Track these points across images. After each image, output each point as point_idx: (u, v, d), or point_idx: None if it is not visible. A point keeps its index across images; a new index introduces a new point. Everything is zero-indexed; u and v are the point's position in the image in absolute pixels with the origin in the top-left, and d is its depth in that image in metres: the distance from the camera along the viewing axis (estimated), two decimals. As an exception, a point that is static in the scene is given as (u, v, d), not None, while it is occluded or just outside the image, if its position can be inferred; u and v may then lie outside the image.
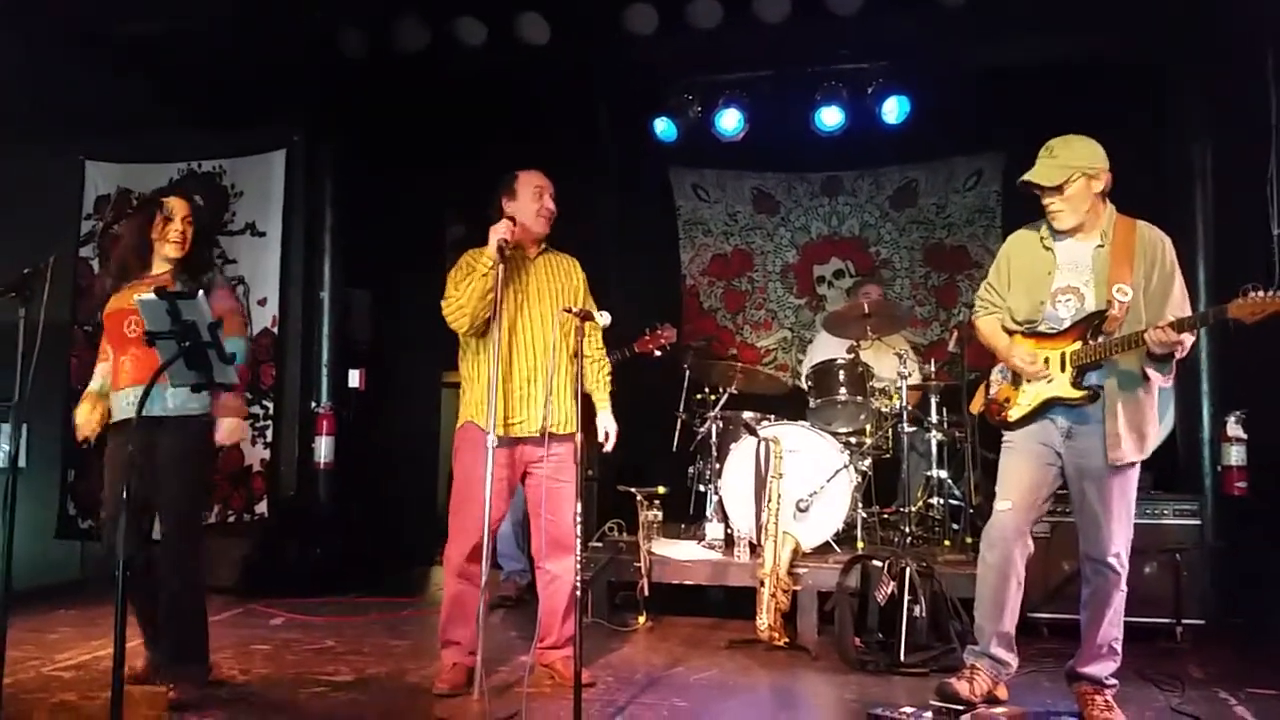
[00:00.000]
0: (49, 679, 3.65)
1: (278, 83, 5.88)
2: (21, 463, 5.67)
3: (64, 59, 5.49)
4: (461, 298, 3.49)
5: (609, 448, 3.73)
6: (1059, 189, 3.21)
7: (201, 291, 3.31)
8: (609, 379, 3.80)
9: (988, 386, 3.54)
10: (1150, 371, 3.17)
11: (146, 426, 3.26)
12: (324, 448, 5.90)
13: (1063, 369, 3.24)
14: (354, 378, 6.24)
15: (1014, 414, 3.36)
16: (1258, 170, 5.04)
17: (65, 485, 6.16)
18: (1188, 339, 3.10)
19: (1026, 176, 3.25)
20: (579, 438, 3.28)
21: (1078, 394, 3.20)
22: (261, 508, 5.84)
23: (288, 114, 6.12)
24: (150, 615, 3.39)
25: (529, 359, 3.56)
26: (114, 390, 3.45)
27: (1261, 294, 2.88)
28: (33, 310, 2.92)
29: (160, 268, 3.51)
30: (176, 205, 3.53)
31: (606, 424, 3.73)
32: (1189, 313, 3.15)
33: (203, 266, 3.57)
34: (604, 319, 3.41)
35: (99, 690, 3.38)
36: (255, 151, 6.15)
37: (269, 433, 5.92)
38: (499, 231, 3.44)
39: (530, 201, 3.62)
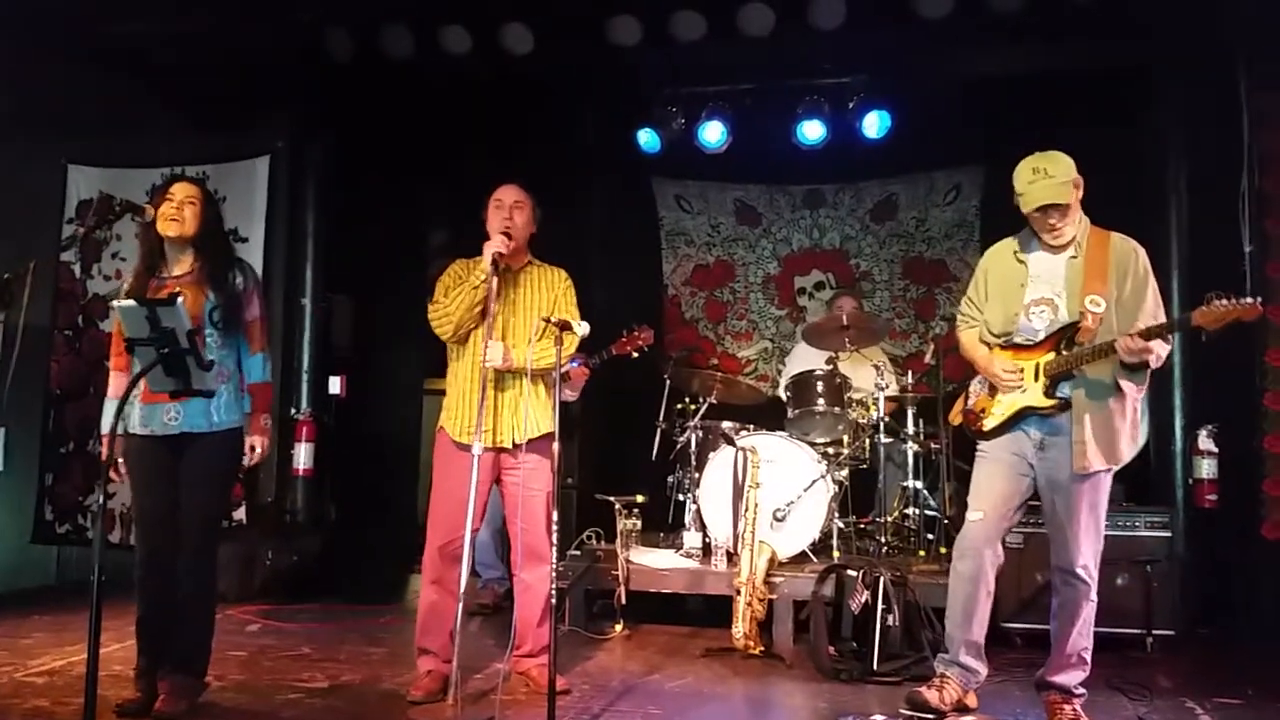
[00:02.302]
0: (21, 685, 3.62)
1: (262, 88, 5.90)
2: (-2, 466, 5.68)
3: (47, 62, 5.48)
4: (450, 306, 3.52)
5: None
6: (1068, 205, 3.23)
7: (238, 289, 3.33)
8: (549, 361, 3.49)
9: (966, 397, 3.59)
10: (1124, 383, 3.21)
11: (183, 441, 3.25)
12: (303, 454, 5.89)
13: (1036, 379, 3.28)
14: (335, 384, 6.24)
15: (989, 424, 3.41)
16: (1231, 186, 5.13)
17: (43, 489, 6.12)
18: (1161, 349, 3.14)
19: (1045, 200, 3.19)
20: (555, 446, 3.30)
21: (1049, 403, 3.25)
22: (239, 514, 5.82)
23: (272, 119, 6.13)
24: (157, 630, 3.25)
25: (502, 371, 3.55)
26: (140, 402, 3.23)
27: (1224, 302, 2.95)
28: (12, 315, 2.93)
29: (180, 266, 3.35)
30: (179, 188, 3.36)
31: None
32: (1162, 321, 3.20)
33: (226, 260, 3.40)
34: (582, 329, 3.43)
35: (72, 696, 3.37)
36: (239, 157, 6.15)
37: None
38: (493, 246, 3.46)
39: (491, 216, 3.63)
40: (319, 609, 5.16)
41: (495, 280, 3.44)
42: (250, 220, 6.06)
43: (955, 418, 3.66)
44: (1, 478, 5.64)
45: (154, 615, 3.24)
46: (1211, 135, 5.24)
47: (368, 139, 6.29)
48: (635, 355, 4.91)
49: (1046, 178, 3.21)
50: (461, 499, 3.28)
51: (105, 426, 3.35)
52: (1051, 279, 3.32)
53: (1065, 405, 3.24)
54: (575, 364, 4.99)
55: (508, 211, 3.61)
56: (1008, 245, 3.45)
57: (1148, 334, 3.07)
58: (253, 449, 3.42)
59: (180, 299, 2.85)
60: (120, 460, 3.31)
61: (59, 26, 5.27)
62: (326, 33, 5.74)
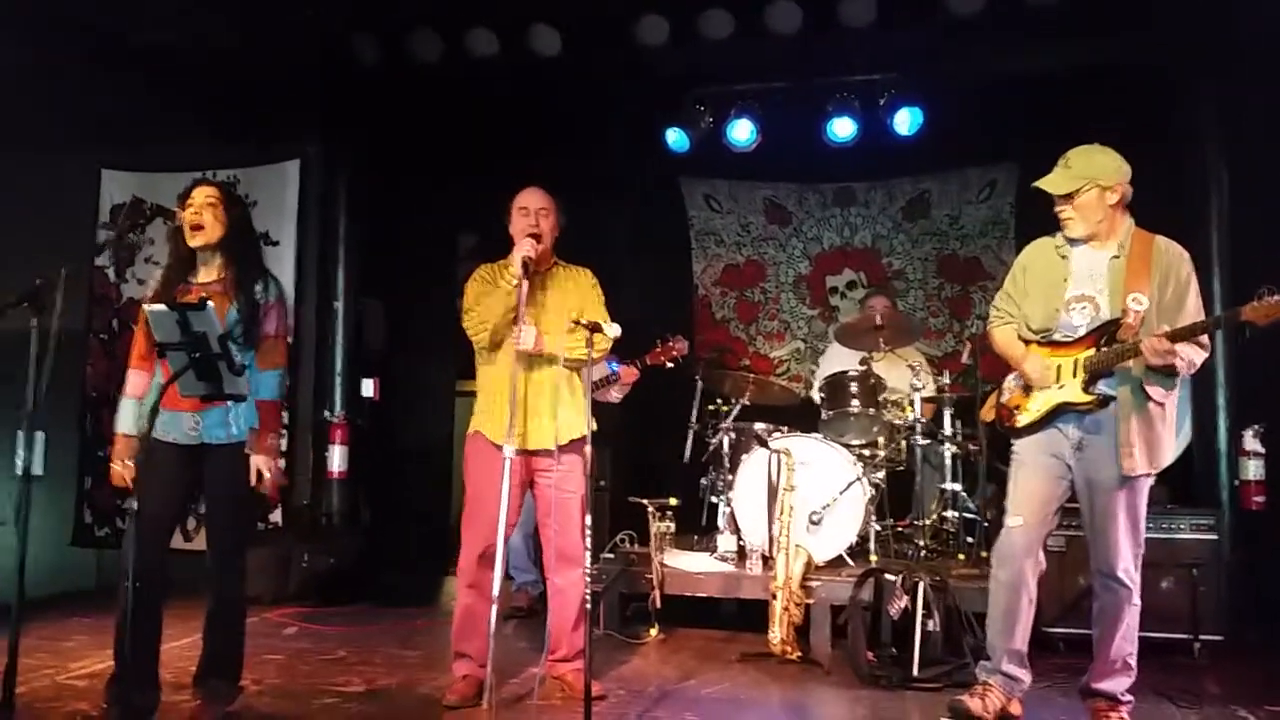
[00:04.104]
0: (63, 688, 3.66)
1: (292, 93, 5.94)
2: (38, 471, 5.72)
3: (81, 68, 5.54)
4: (485, 313, 3.51)
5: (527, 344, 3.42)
6: (1069, 197, 3.22)
7: (259, 301, 3.26)
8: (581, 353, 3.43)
9: (1000, 393, 3.53)
10: (1149, 388, 3.14)
11: (202, 452, 3.22)
12: (337, 457, 5.93)
13: (1074, 375, 3.22)
14: (367, 387, 6.27)
15: (1023, 420, 3.35)
16: (1273, 180, 5.01)
17: (81, 493, 6.20)
18: (1196, 355, 3.10)
19: (1038, 183, 3.28)
20: (588, 449, 3.27)
21: (1087, 398, 3.19)
22: (275, 517, 5.86)
23: (302, 124, 6.17)
24: (137, 639, 3.05)
25: (536, 371, 3.54)
26: (163, 408, 3.07)
27: (1276, 298, 2.88)
28: (45, 320, 2.93)
29: (208, 274, 3.32)
30: (198, 192, 3.28)
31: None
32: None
33: (254, 270, 3.33)
34: (613, 330, 3.40)
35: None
36: (270, 161, 6.19)
37: (283, 442, 5.93)
38: (523, 249, 3.44)
39: (516, 221, 3.62)
40: (355, 611, 5.19)
41: (526, 284, 3.41)
42: (281, 224, 6.09)
43: (988, 414, 3.62)
44: (41, 481, 5.69)
45: (136, 624, 3.00)
46: (1252, 129, 5.13)
47: (397, 142, 6.31)
48: (670, 365, 4.90)
49: (1065, 167, 3.24)
50: (498, 502, 3.25)
51: (121, 425, 3.31)
52: (1094, 276, 3.28)
53: (1104, 402, 3.18)
54: (621, 365, 5.00)
55: (534, 218, 3.59)
56: (1049, 241, 3.40)
57: (1174, 335, 3.02)
58: (258, 473, 3.22)
59: (210, 303, 2.84)
60: (130, 462, 3.25)
61: (91, 33, 5.32)
62: (355, 37, 5.76)
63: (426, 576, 6.36)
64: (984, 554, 4.59)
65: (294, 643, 4.50)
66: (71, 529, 6.17)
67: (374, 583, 5.70)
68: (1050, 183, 3.25)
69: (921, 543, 4.92)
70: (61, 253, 5.79)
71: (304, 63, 5.76)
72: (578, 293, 3.68)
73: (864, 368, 5.19)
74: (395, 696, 3.65)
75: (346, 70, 5.86)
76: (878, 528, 4.93)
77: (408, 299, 6.75)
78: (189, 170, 6.19)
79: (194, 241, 3.28)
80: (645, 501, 4.79)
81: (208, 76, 5.71)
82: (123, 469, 3.27)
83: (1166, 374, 3.12)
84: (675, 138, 6.41)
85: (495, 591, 3.23)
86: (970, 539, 4.99)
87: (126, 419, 3.33)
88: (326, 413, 5.98)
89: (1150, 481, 3.24)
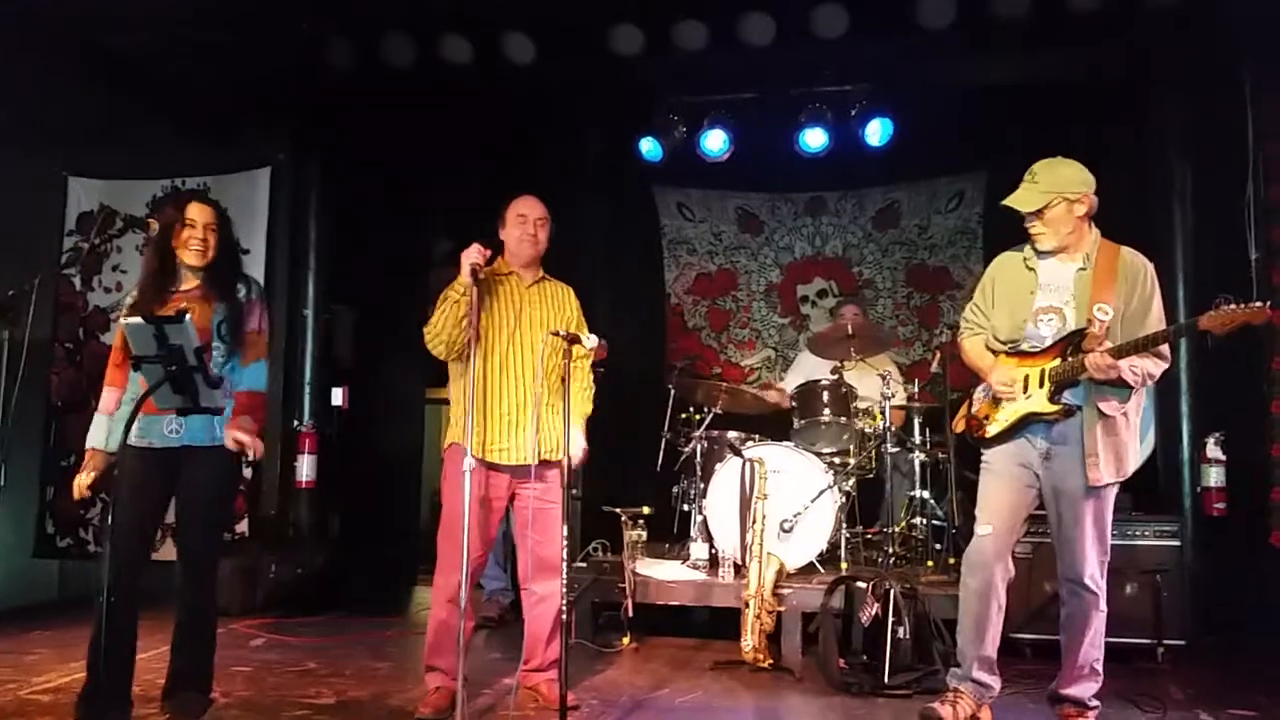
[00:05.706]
0: (26, 703, 3.60)
1: (263, 98, 5.89)
2: (0, 481, 5.65)
3: (47, 73, 5.46)
4: (436, 324, 3.47)
5: (576, 462, 3.59)
6: (1038, 213, 3.26)
7: (240, 299, 3.29)
8: (590, 400, 3.76)
9: (970, 403, 3.58)
10: (1100, 403, 3.20)
11: (181, 456, 3.19)
12: (306, 466, 5.87)
13: (1040, 385, 3.27)
14: (337, 395, 6.21)
15: (992, 430, 3.40)
16: (1236, 192, 5.12)
17: (44, 503, 6.09)
18: (1154, 367, 3.18)
19: (1007, 201, 3.31)
20: (564, 460, 3.27)
21: (1053, 409, 3.24)
22: (242, 527, 5.79)
23: (273, 130, 6.12)
24: (112, 652, 2.99)
25: (518, 387, 3.53)
26: (143, 413, 3.05)
27: (1232, 307, 2.96)
28: (17, 332, 2.90)
29: (188, 282, 3.30)
30: (199, 211, 3.29)
31: (576, 442, 3.58)
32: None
33: (234, 274, 3.36)
34: (590, 341, 3.41)
35: (78, 715, 3.33)
36: (240, 168, 6.13)
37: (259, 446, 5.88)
38: (470, 256, 3.38)
39: (513, 228, 3.62)
40: (323, 622, 5.14)
41: (475, 291, 3.35)
42: (251, 232, 6.01)
43: (958, 425, 3.65)
44: (3, 492, 5.61)
45: (112, 636, 2.91)
46: (1216, 142, 5.24)
47: (369, 149, 6.27)
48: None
49: (1031, 182, 3.28)
50: (479, 517, 3.23)
51: (93, 440, 3.28)
52: (1060, 288, 3.33)
53: (1069, 412, 3.23)
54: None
55: (533, 227, 3.60)
56: (1016, 253, 3.45)
57: (1121, 350, 3.08)
58: (238, 443, 3.17)
59: (188, 316, 2.82)
60: (95, 474, 3.23)
61: (58, 37, 5.25)
62: (328, 43, 5.72)
63: (396, 586, 6.32)
64: (952, 560, 4.66)
65: (262, 654, 4.46)
66: (33, 540, 6.06)
67: (343, 593, 5.65)
68: (1019, 200, 3.28)
69: (891, 550, 4.97)
70: (27, 261, 5.72)
71: (276, 68, 5.70)
72: (565, 311, 3.69)
73: (835, 376, 5.23)
74: (366, 708, 3.62)
75: (319, 76, 5.81)
76: (848, 535, 4.98)
77: (379, 306, 6.70)
78: (158, 178, 6.17)
79: (191, 260, 3.28)
80: (618, 510, 4.80)
81: (177, 83, 5.65)
82: (85, 480, 3.23)
83: (1119, 385, 3.18)
84: (649, 147, 6.44)
85: (462, 604, 3.19)
86: (939, 546, 5.05)
87: (97, 434, 3.30)
88: (295, 422, 5.92)
89: (1116, 490, 3.30)
